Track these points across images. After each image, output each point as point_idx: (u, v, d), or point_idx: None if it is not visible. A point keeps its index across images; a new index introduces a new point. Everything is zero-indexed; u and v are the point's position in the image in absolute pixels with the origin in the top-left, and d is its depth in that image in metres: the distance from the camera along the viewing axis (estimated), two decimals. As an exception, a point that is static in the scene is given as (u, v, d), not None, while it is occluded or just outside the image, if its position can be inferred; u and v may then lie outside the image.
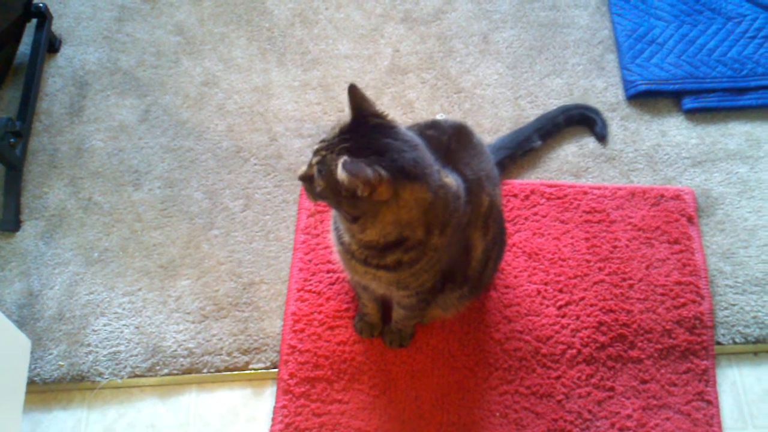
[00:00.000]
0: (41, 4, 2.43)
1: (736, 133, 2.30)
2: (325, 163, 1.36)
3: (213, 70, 2.45)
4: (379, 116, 1.41)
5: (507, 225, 2.08)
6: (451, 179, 1.48)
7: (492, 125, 2.32)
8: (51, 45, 2.48)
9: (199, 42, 2.51)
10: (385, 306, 1.93)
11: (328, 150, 1.37)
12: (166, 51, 2.50)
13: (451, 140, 1.62)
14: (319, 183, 1.38)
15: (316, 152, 1.39)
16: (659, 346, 1.96)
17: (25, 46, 2.46)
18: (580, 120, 2.32)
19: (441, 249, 1.50)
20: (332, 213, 1.58)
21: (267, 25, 2.55)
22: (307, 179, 1.42)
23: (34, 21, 2.46)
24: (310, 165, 1.40)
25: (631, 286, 2.04)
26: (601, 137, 2.29)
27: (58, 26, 2.54)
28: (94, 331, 2.02)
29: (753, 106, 2.33)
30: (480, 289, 1.90)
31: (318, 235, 2.11)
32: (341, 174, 1.28)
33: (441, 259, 1.54)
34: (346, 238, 1.52)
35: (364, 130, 1.39)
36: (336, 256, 1.66)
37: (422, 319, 1.95)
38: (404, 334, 1.94)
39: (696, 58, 2.40)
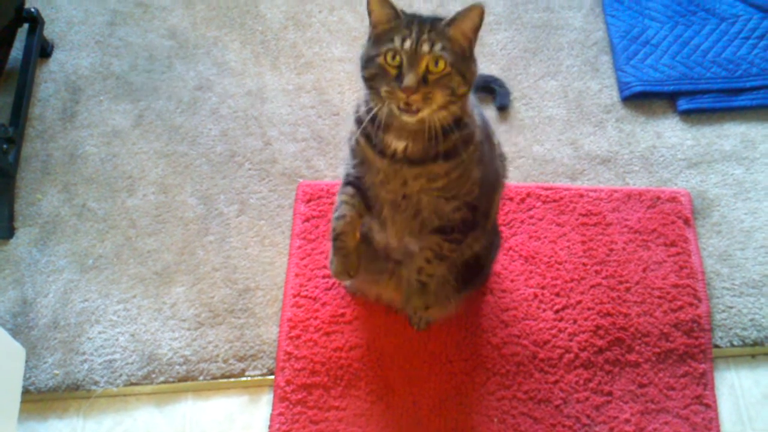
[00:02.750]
0: (33, 9, 2.42)
1: (731, 134, 2.30)
2: (438, 36, 1.36)
3: (206, 75, 2.44)
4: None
5: (503, 228, 2.07)
6: None
7: (487, 128, 2.31)
8: (43, 50, 2.47)
9: (192, 46, 2.50)
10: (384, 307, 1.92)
11: (422, 32, 1.36)
12: (159, 55, 2.48)
13: None
14: (442, 62, 1.36)
15: (416, 46, 1.35)
16: (657, 349, 1.95)
17: (16, 51, 2.44)
18: (483, 88, 2.39)
19: (483, 153, 1.55)
20: (360, 140, 1.52)
21: (260, 29, 2.54)
22: (421, 83, 1.36)
23: (26, 26, 2.44)
24: (418, 67, 1.35)
25: (627, 289, 2.03)
26: (501, 107, 2.37)
27: (50, 31, 2.52)
28: (89, 339, 2.00)
29: (748, 106, 2.33)
30: (479, 276, 1.90)
31: (314, 240, 2.10)
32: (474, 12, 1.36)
33: (481, 168, 1.55)
34: (401, 144, 1.46)
35: (411, 16, 1.40)
36: (369, 180, 1.58)
37: (419, 324, 1.95)
38: (428, 290, 1.74)
39: (690, 59, 2.40)
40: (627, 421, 1.88)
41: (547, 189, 2.19)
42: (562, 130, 2.32)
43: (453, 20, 1.36)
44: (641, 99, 2.37)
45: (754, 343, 1.98)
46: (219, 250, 2.12)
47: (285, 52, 2.49)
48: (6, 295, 2.06)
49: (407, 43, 1.34)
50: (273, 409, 1.89)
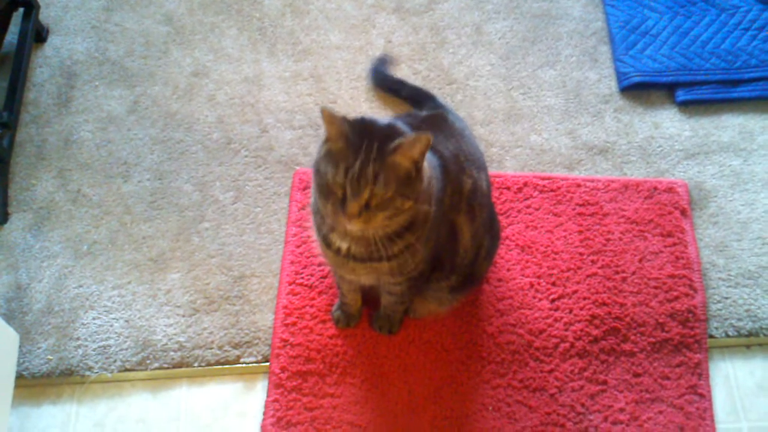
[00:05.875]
0: (28, -6, 2.41)
1: (729, 126, 2.30)
2: (382, 166, 1.37)
3: (203, 61, 2.42)
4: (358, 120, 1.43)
5: (500, 218, 2.07)
6: None
7: (484, 117, 2.30)
8: (38, 35, 2.45)
9: (188, 32, 2.49)
10: (370, 295, 1.93)
11: (366, 161, 1.36)
12: (156, 41, 2.47)
13: (421, 124, 1.67)
14: (383, 193, 1.38)
15: (358, 177, 1.37)
16: (652, 339, 1.95)
17: (11, 35, 2.43)
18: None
19: (433, 224, 1.54)
20: (314, 223, 1.60)
21: (257, 15, 2.52)
22: (363, 209, 1.39)
23: (21, 10, 2.42)
24: (359, 197, 1.37)
25: (624, 279, 2.03)
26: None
27: (45, 15, 2.51)
28: (83, 324, 2.00)
29: (746, 98, 2.33)
30: (473, 282, 1.89)
31: (310, 228, 2.09)
32: (416, 147, 1.36)
33: (431, 237, 1.56)
34: (344, 245, 1.53)
35: (361, 135, 1.39)
36: (325, 260, 1.71)
37: (416, 313, 1.95)
38: (394, 320, 1.94)
39: (689, 50, 2.39)
40: (621, 410, 1.87)
41: (544, 178, 2.18)
42: (560, 120, 2.32)
43: (401, 145, 1.36)
44: (639, 89, 2.36)
45: (749, 334, 1.98)
46: (214, 236, 2.12)
47: (282, 39, 2.48)
48: (0, 280, 2.06)
49: (351, 172, 1.37)
50: (268, 396, 1.89)
